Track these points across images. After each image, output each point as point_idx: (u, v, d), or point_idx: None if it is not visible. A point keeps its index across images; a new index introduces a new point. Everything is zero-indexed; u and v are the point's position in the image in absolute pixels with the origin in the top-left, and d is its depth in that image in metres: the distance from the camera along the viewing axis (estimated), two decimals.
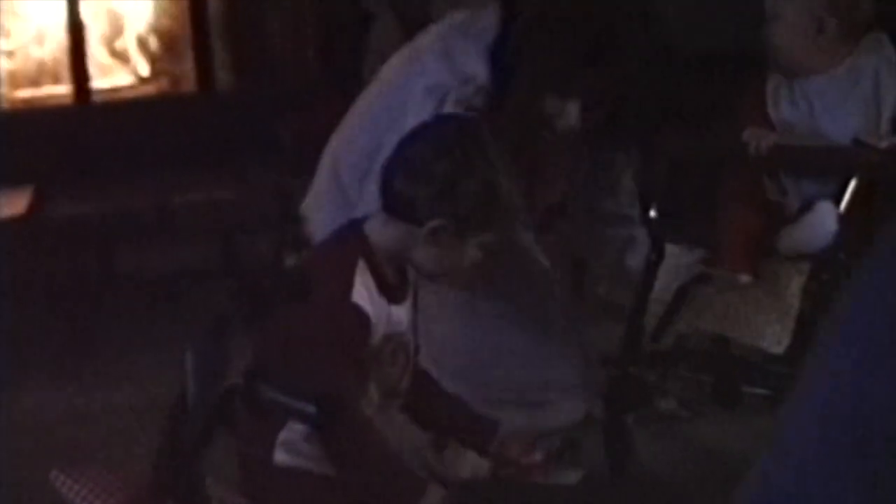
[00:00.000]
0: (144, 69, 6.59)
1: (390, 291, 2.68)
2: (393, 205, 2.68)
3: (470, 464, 3.12)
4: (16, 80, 6.40)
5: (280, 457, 2.67)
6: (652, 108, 3.73)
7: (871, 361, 1.59)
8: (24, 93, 6.42)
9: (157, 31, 6.57)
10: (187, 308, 4.95)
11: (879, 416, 1.55)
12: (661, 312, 3.60)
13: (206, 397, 2.53)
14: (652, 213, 3.62)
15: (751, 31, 3.57)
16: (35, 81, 6.44)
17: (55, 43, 6.40)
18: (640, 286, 3.62)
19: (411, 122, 2.98)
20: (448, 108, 3.23)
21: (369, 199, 2.94)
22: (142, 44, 6.57)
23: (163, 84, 6.61)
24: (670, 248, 3.61)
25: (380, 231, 2.68)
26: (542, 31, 3.26)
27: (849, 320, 1.65)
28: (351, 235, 2.72)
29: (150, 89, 6.59)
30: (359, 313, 2.59)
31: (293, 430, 2.65)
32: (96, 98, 6.43)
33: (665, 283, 3.59)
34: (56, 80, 6.44)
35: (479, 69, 3.28)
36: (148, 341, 5.03)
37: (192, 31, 6.52)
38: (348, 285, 2.59)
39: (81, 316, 5.49)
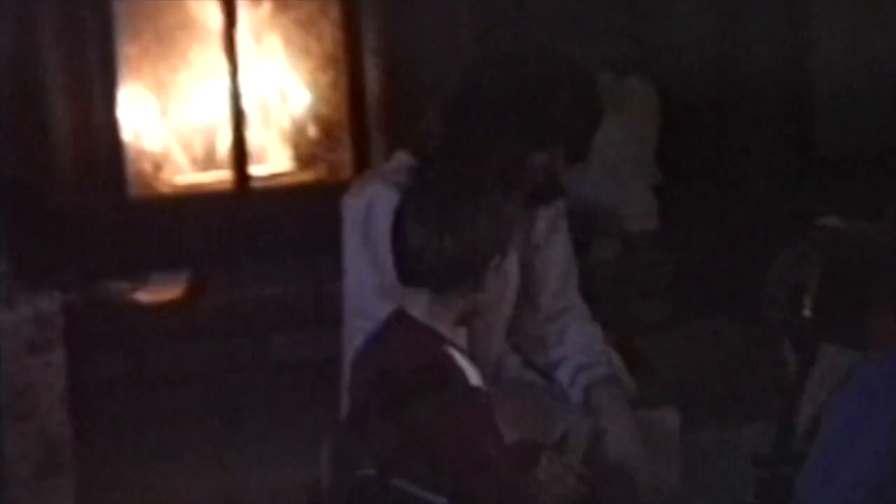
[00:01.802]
0: (303, 156, 6.67)
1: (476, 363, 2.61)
2: (429, 279, 2.59)
3: None
4: (177, 165, 6.51)
5: None
6: None
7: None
8: (185, 178, 6.52)
9: (316, 118, 6.65)
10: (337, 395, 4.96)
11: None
12: (815, 413, 3.52)
13: (341, 486, 2.51)
14: (806, 312, 3.55)
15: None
16: (195, 167, 6.54)
17: (216, 129, 6.51)
18: (794, 387, 3.53)
19: None
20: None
21: None
22: (301, 131, 6.65)
23: (320, 171, 6.67)
24: (825, 348, 3.52)
25: (434, 312, 2.60)
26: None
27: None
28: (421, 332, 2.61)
29: (307, 176, 6.65)
30: (487, 397, 2.53)
31: None
32: (255, 184, 6.51)
33: (818, 384, 3.51)
34: (216, 165, 6.54)
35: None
36: (297, 426, 5.05)
37: (350, 120, 6.58)
38: (463, 374, 2.52)
39: (234, 400, 5.54)
